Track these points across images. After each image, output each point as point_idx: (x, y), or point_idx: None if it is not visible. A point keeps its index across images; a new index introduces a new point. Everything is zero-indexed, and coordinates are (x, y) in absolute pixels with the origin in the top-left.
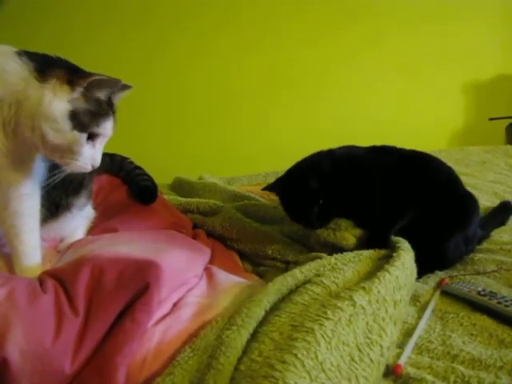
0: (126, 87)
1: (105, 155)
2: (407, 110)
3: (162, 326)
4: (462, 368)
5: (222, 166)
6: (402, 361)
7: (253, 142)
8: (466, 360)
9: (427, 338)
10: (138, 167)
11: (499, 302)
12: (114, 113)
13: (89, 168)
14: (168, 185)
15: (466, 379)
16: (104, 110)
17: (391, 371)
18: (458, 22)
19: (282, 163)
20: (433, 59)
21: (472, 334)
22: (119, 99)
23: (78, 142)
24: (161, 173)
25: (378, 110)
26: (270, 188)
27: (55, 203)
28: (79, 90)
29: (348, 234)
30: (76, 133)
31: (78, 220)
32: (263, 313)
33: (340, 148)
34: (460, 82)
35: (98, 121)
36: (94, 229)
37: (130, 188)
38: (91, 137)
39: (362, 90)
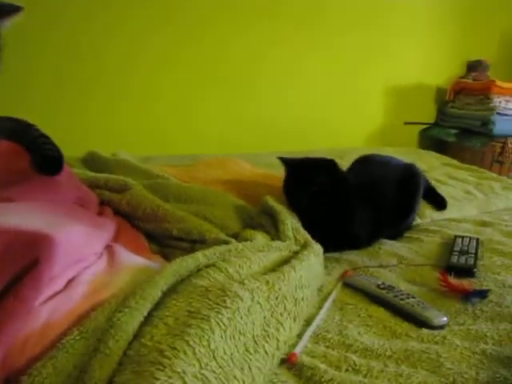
0: (15, 10)
1: (7, 119)
2: (329, 107)
3: (51, 305)
4: (354, 357)
5: (141, 145)
6: (298, 350)
7: (174, 124)
8: (359, 349)
9: (325, 327)
10: (45, 135)
11: (395, 296)
12: (1, 49)
13: None
14: (80, 158)
15: (357, 367)
16: None
17: (286, 359)
18: (387, 32)
19: (201, 147)
20: (359, 62)
21: (367, 325)
22: (9, 27)
23: None
24: (75, 146)
25: (301, 105)
26: (283, 159)
27: None
28: None
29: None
30: None
31: None
32: (160, 294)
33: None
34: (382, 85)
35: None
36: None
37: (32, 157)
38: None
39: (286, 84)
